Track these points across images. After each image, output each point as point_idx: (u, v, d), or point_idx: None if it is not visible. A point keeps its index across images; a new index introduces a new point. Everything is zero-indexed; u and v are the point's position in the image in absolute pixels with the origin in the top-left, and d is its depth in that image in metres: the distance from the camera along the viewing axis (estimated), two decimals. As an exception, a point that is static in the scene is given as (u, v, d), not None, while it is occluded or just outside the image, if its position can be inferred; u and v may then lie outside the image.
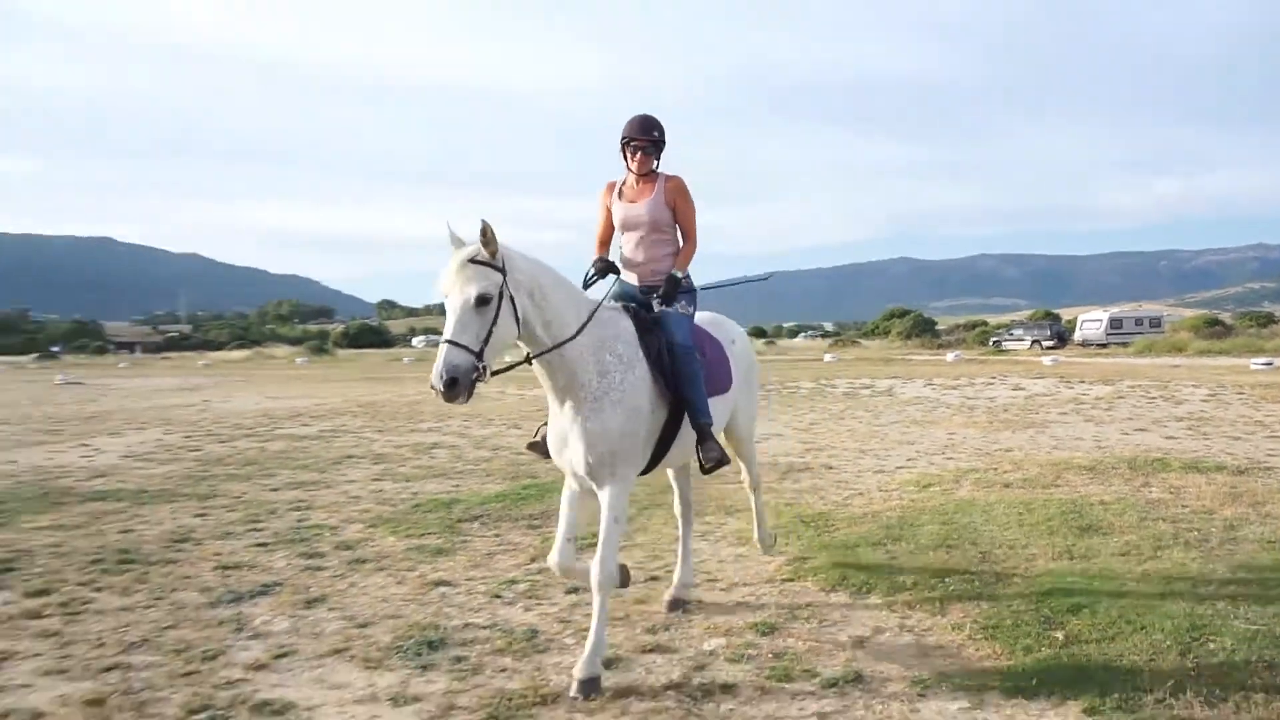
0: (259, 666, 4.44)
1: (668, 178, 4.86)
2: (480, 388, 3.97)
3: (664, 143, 4.84)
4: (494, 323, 3.89)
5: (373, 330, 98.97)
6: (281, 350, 71.21)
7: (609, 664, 4.34)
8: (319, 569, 6.23)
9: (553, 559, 4.49)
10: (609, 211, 4.94)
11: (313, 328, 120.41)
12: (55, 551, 6.78)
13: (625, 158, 4.86)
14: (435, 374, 3.75)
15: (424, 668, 4.39)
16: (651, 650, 4.58)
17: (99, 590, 5.78)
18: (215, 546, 6.91)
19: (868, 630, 4.82)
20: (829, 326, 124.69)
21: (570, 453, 4.35)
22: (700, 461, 4.67)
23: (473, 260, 3.90)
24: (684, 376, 4.52)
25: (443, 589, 5.64)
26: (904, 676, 4.19)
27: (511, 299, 3.97)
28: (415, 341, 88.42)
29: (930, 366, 32.54)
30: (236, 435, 14.37)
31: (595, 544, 4.36)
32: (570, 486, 4.57)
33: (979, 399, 18.63)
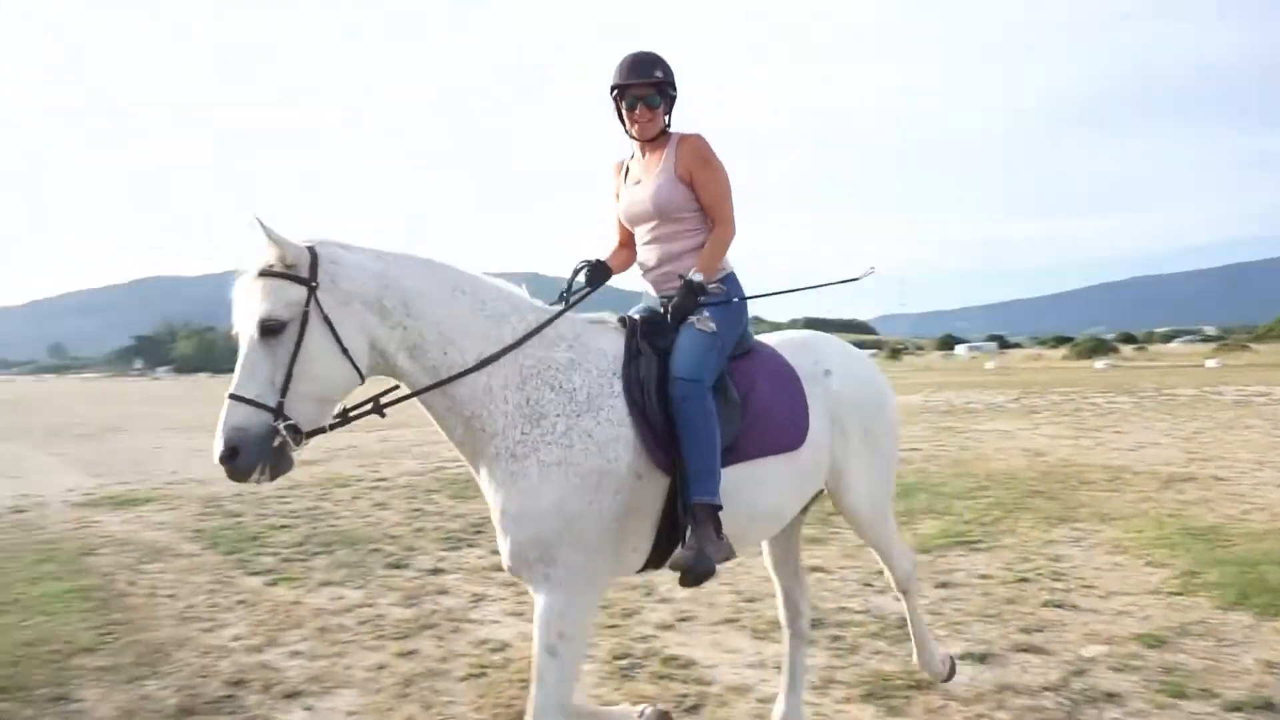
0: (666, 627, 4.75)
1: (681, 137, 3.09)
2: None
3: (674, 87, 3.08)
4: (293, 359, 2.45)
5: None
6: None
7: (983, 659, 4.09)
8: (710, 548, 6.52)
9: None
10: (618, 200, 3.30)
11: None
12: (510, 519, 7.79)
13: (621, 117, 3.11)
14: (215, 443, 2.41)
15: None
16: (1025, 650, 4.22)
17: (542, 552, 6.53)
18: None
19: (1278, 655, 4.05)
20: (1210, 330, 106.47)
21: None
22: (679, 557, 2.66)
23: (263, 273, 2.48)
24: (679, 427, 2.71)
25: (818, 574, 5.64)
26: (1329, 710, 3.47)
27: (327, 320, 2.48)
28: None
29: (1343, 372, 26.61)
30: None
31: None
32: None
33: None
